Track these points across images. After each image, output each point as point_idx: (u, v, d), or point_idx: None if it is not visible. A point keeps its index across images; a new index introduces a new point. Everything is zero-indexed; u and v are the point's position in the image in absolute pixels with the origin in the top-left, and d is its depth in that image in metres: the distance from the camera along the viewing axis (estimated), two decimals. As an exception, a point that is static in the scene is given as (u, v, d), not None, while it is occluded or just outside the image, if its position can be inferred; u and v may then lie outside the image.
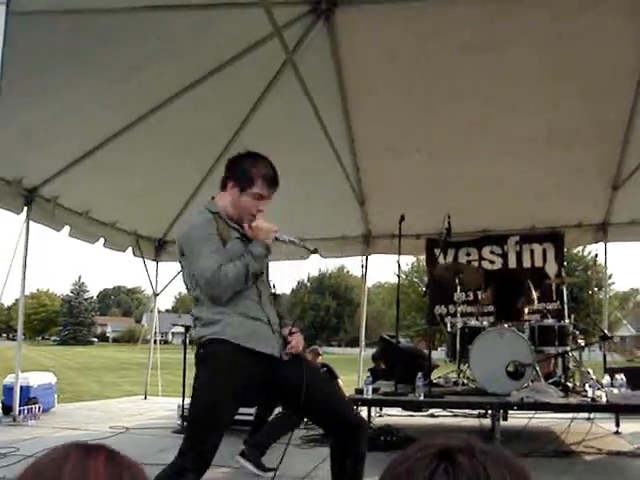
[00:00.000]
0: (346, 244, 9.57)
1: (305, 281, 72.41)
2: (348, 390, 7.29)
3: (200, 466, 2.78)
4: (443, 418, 7.83)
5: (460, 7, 5.50)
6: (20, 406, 7.49)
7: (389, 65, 6.34)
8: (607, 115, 6.81)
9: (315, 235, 9.12)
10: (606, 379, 6.12)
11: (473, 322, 7.23)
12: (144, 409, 9.30)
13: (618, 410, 6.37)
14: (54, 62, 5.35)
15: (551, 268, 9.06)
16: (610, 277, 40.34)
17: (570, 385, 6.60)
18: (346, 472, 2.97)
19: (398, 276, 8.90)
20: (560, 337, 6.70)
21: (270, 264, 3.23)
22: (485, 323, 7.09)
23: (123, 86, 6.07)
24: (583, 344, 7.27)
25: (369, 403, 6.51)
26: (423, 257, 10.29)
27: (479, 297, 8.47)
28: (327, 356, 8.75)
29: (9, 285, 7.28)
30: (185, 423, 6.70)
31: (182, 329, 7.57)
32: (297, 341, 3.06)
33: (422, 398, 6.01)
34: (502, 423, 6.09)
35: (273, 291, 3.24)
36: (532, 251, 9.15)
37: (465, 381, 6.92)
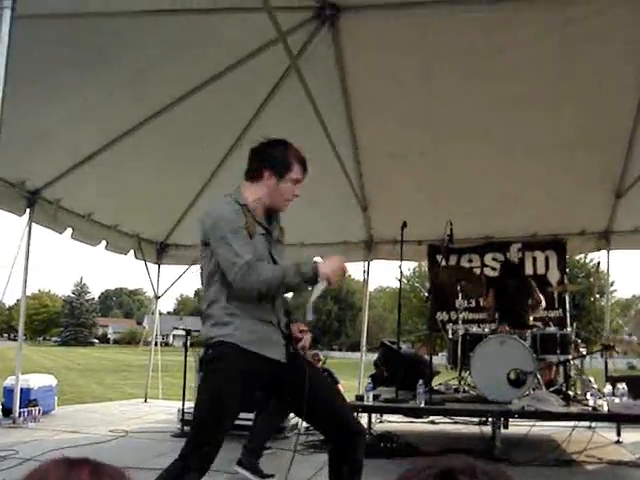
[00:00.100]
0: (348, 249, 9.55)
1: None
2: (349, 396, 7.28)
3: (203, 466, 2.78)
4: (444, 425, 7.81)
5: (463, 15, 5.49)
6: (20, 408, 7.47)
7: (393, 71, 6.33)
8: (610, 122, 6.79)
9: (317, 240, 9.14)
10: (608, 388, 6.10)
11: (475, 329, 7.22)
12: (144, 412, 9.29)
13: (619, 420, 6.34)
14: (57, 66, 5.37)
15: (553, 276, 9.05)
16: (612, 284, 40.31)
17: (571, 394, 6.58)
18: (343, 479, 2.96)
19: (400, 281, 8.91)
20: (562, 345, 6.69)
21: None
22: (487, 330, 7.08)
23: (126, 90, 6.08)
24: (585, 352, 7.25)
25: (370, 410, 6.50)
26: (425, 262, 10.26)
27: (481, 304, 8.47)
28: (328, 360, 8.73)
29: (11, 285, 7.29)
30: (185, 427, 6.71)
31: (183, 332, 7.58)
32: (307, 339, 3.05)
33: (423, 405, 5.99)
34: (503, 431, 6.06)
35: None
36: (534, 258, 9.14)
37: (466, 388, 6.91)
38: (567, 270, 9.61)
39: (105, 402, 11.35)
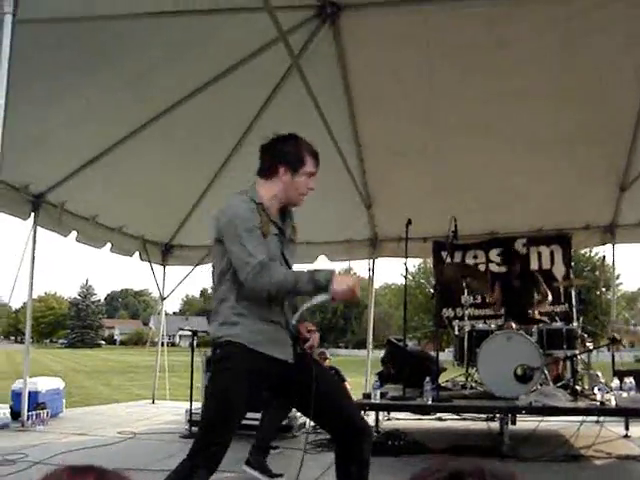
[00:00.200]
0: (353, 247, 9.56)
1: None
2: (356, 393, 7.29)
3: (211, 466, 2.79)
4: (451, 422, 7.81)
5: (463, 10, 5.48)
6: (28, 411, 7.49)
7: (395, 68, 6.32)
8: (613, 116, 6.77)
9: (322, 239, 9.15)
10: (615, 382, 6.09)
11: (481, 325, 7.20)
12: (152, 414, 9.31)
13: (627, 414, 6.33)
14: (58, 69, 5.36)
15: (559, 270, 9.04)
16: (618, 277, 40.29)
17: (579, 388, 6.58)
18: (351, 478, 2.96)
19: (405, 278, 8.95)
20: (568, 340, 6.68)
21: None
22: (493, 326, 7.07)
23: (129, 92, 6.08)
24: (591, 347, 7.24)
25: (377, 408, 6.50)
26: (430, 259, 10.26)
27: (487, 300, 8.46)
28: (334, 358, 8.73)
29: (17, 289, 7.32)
30: (193, 428, 6.72)
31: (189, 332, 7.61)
32: (315, 338, 3.05)
33: (430, 402, 5.99)
34: (511, 427, 6.06)
35: None
36: (540, 253, 9.12)
37: (473, 384, 6.91)
38: (572, 264, 9.59)
39: (112, 404, 11.37)
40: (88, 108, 6.14)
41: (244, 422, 3.15)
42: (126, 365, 32.22)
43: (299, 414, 6.80)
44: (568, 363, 6.81)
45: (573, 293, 7.78)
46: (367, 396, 6.39)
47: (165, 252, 10.11)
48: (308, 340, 3.01)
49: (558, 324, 6.98)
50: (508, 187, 8.04)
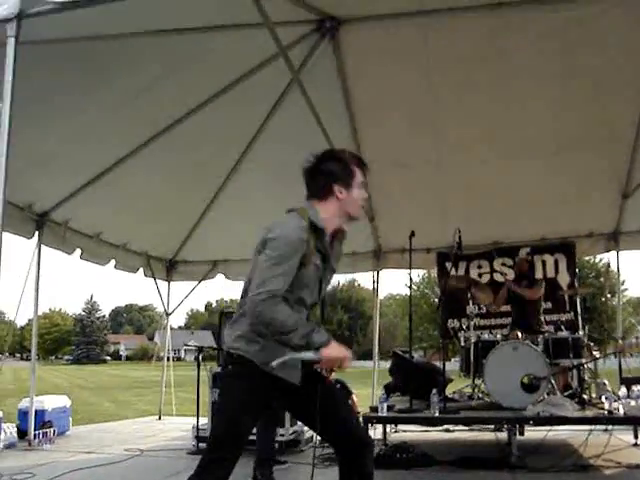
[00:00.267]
0: (357, 260, 9.56)
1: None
2: (363, 405, 7.27)
3: (223, 475, 2.78)
4: (459, 433, 7.78)
5: (462, 21, 5.51)
6: (35, 430, 7.48)
7: (395, 81, 6.34)
8: (614, 124, 6.78)
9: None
10: (623, 390, 6.06)
11: (487, 336, 7.19)
12: (158, 430, 9.30)
13: (636, 422, 6.30)
14: (61, 88, 5.41)
15: (563, 279, 9.02)
16: (623, 283, 40.11)
17: (586, 397, 6.55)
18: None
19: (410, 288, 8.92)
20: (575, 349, 6.67)
21: None
22: (499, 336, 7.05)
23: (130, 110, 6.11)
24: (598, 355, 7.21)
25: (384, 421, 6.48)
26: (434, 269, 10.26)
27: (491, 311, 8.46)
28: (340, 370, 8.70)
29: (22, 305, 7.34)
30: (200, 444, 6.71)
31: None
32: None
33: (437, 414, 5.96)
34: (519, 437, 6.04)
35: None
36: (544, 262, 9.11)
37: (480, 395, 6.89)
38: (577, 271, 9.57)
39: (119, 420, 11.34)
40: (90, 126, 6.17)
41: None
42: (132, 380, 32.15)
43: (306, 428, 6.79)
44: (575, 372, 6.79)
45: (578, 301, 7.76)
46: (374, 409, 6.37)
47: (169, 268, 10.12)
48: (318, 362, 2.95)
49: (564, 333, 6.97)
50: (511, 196, 8.04)
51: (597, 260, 38.04)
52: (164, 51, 5.43)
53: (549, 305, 8.68)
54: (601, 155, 7.26)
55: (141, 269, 9.53)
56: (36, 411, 7.61)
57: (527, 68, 6.04)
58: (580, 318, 7.67)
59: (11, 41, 3.51)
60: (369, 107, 6.75)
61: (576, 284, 8.74)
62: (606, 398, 5.99)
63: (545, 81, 6.22)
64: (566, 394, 6.47)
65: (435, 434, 7.66)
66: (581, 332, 7.02)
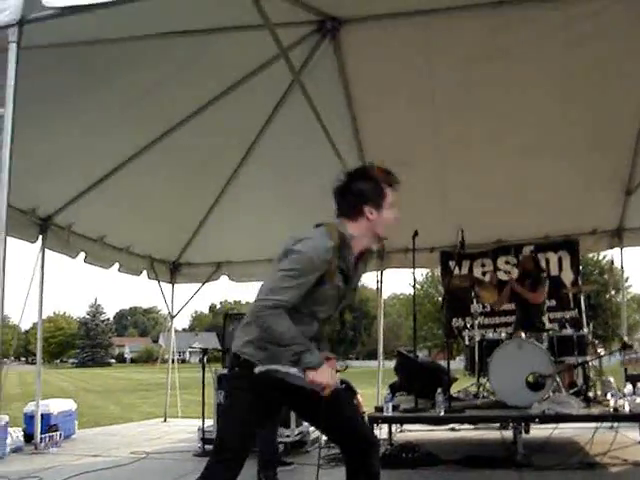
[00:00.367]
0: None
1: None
2: (368, 405, 7.26)
3: (229, 477, 2.80)
4: (464, 431, 7.77)
5: (463, 20, 5.50)
6: (41, 434, 7.49)
7: (396, 80, 6.34)
8: (617, 121, 6.76)
9: (329, 252, 9.13)
10: (628, 388, 6.05)
11: (491, 334, 7.18)
12: (164, 432, 9.30)
13: (642, 419, 6.28)
14: (65, 91, 5.42)
15: (567, 276, 9.01)
16: (627, 280, 40.04)
17: (592, 395, 6.54)
18: None
19: (414, 287, 8.91)
20: (579, 347, 6.65)
21: None
22: (503, 335, 7.05)
23: (133, 113, 6.12)
24: (602, 353, 7.20)
25: (390, 421, 6.48)
26: (438, 268, 10.25)
27: (495, 309, 8.45)
28: (346, 370, 8.69)
29: (27, 309, 7.35)
30: (206, 446, 6.71)
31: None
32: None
33: (443, 414, 5.96)
34: (524, 435, 6.02)
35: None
36: (548, 260, 9.10)
37: (485, 394, 6.88)
38: (581, 269, 9.56)
39: (124, 423, 11.36)
40: (92, 130, 6.18)
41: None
42: (137, 383, 32.17)
43: (312, 429, 6.80)
44: (580, 370, 6.78)
45: (582, 299, 7.75)
46: (379, 409, 6.37)
47: (173, 270, 10.13)
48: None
49: (568, 331, 6.96)
50: (513, 194, 8.02)
51: (601, 257, 38.05)
52: (166, 54, 5.44)
53: (553, 303, 8.70)
54: (604, 152, 7.24)
55: (145, 272, 9.55)
56: (42, 415, 7.63)
57: (528, 67, 6.03)
58: (584, 315, 7.66)
59: (13, 47, 3.53)
60: (371, 107, 6.74)
61: (580, 281, 8.72)
62: (612, 395, 5.98)
63: (548, 80, 6.21)
64: (571, 392, 6.46)
65: (440, 433, 7.65)
66: (585, 329, 7.02)
